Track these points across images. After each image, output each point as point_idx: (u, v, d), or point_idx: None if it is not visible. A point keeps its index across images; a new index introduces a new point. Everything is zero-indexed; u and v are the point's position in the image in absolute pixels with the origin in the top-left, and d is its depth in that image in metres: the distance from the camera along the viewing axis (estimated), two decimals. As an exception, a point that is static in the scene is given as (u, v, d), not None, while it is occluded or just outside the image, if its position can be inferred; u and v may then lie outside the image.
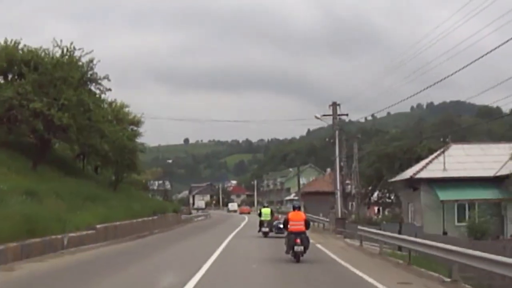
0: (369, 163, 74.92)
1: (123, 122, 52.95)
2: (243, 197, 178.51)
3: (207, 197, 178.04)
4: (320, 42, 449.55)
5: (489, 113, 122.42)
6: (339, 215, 42.29)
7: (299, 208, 23.48)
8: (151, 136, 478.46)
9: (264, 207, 41.68)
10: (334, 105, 45.53)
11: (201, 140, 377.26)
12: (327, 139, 55.98)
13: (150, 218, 43.63)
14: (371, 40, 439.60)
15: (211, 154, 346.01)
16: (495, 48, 22.63)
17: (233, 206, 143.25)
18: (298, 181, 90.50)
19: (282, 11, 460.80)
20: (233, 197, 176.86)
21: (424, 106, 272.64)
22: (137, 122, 56.67)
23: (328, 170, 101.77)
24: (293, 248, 21.76)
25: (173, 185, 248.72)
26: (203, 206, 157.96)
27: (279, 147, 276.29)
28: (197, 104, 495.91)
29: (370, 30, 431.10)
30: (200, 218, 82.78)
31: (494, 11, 29.26)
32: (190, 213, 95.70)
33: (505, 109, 75.09)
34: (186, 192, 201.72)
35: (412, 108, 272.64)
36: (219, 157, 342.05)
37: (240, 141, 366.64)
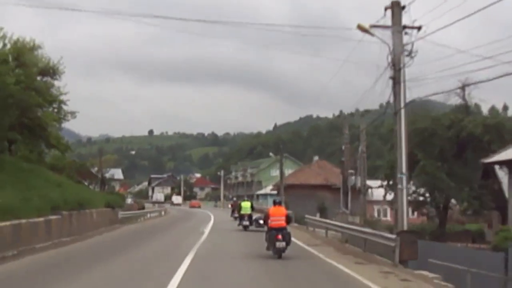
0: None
1: (28, 67, 33.88)
2: (207, 190, 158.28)
3: (168, 190, 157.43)
4: (287, 35, 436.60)
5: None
6: (403, 224, 19.66)
7: (280, 203, 22.62)
8: (115, 126, 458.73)
9: (244, 200, 40.44)
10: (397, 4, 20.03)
11: (166, 132, 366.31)
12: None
13: (42, 219, 23.32)
14: (340, 36, 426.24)
15: (175, 146, 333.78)
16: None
17: (177, 199, 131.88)
18: (281, 171, 70.51)
19: (251, 3, 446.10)
20: (196, 189, 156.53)
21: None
22: (51, 71, 37.00)
23: (316, 158, 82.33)
24: (275, 244, 20.58)
25: (135, 177, 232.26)
26: (162, 199, 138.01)
27: (246, 140, 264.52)
28: (163, 96, 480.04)
29: (339, 26, 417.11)
30: (152, 215, 62.35)
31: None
32: (143, 208, 76.07)
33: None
34: (145, 184, 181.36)
35: (381, 105, 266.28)
36: (184, 150, 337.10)
37: (206, 134, 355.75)
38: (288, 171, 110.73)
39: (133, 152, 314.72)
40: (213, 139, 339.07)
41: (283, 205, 25.79)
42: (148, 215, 60.58)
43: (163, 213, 71.29)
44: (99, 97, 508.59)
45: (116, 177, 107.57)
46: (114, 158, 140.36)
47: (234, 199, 72.87)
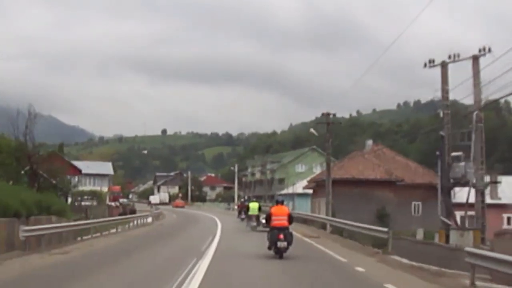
0: None
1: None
2: (219, 189, 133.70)
3: (175, 189, 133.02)
4: (302, 36, 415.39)
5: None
6: None
7: (282, 203, 21.62)
8: (129, 126, 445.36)
9: (252, 201, 39.53)
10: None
11: (180, 132, 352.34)
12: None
13: None
14: (354, 37, 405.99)
15: (188, 146, 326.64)
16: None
17: (154, 199, 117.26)
18: (329, 164, 44.64)
19: (264, 3, 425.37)
20: (206, 189, 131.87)
21: (411, 104, 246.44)
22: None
23: (369, 142, 57.37)
24: (276, 244, 19.87)
25: (146, 176, 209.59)
26: (167, 200, 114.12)
27: (261, 139, 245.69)
28: (177, 96, 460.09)
29: (354, 27, 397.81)
30: (137, 222, 39.32)
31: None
32: (133, 212, 53.91)
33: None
34: (151, 183, 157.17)
35: (398, 105, 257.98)
36: (197, 149, 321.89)
37: (220, 134, 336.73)
38: (316, 169, 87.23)
39: (145, 152, 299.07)
40: (227, 139, 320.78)
41: (285, 205, 22.46)
42: (129, 224, 38.62)
43: (149, 219, 47.55)
44: (112, 97, 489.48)
45: (103, 172, 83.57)
46: (110, 152, 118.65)
47: (242, 200, 65.27)
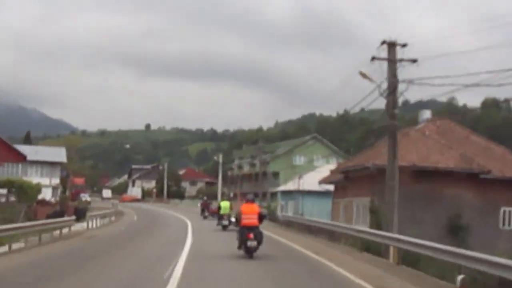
0: None
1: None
2: (200, 185, 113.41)
3: (152, 183, 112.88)
4: (291, 35, 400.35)
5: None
6: None
7: (253, 201, 19.96)
8: (112, 120, 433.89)
9: (223, 200, 39.41)
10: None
11: (164, 127, 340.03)
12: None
13: None
14: (344, 36, 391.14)
15: (172, 141, 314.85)
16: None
17: (107, 193, 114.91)
18: (394, 132, 23.02)
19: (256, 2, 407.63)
20: (185, 184, 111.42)
21: (399, 104, 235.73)
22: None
23: (427, 113, 36.54)
24: (246, 243, 18.64)
25: (126, 170, 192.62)
26: (139, 195, 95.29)
27: (246, 135, 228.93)
28: (163, 91, 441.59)
29: (344, 26, 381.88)
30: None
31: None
32: (81, 212, 40.88)
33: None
34: (126, 177, 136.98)
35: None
36: (181, 145, 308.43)
37: (205, 130, 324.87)
38: (318, 163, 69.13)
39: (127, 146, 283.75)
40: (212, 135, 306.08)
41: (256, 203, 21.09)
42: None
43: (91, 224, 29.49)
44: (99, 91, 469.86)
45: (53, 159, 63.87)
46: (77, 142, 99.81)
47: (205, 198, 60.59)
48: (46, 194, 59.83)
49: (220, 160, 75.45)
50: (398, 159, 21.43)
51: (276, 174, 76.20)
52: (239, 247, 18.98)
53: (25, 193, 42.73)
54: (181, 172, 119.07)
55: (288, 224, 38.76)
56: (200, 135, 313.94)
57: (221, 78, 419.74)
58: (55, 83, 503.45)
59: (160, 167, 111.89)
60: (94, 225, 33.88)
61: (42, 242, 22.67)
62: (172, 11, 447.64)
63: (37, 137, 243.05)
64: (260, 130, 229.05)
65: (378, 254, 20.34)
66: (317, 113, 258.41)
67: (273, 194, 72.28)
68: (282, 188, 61.34)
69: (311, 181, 52.80)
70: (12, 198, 41.67)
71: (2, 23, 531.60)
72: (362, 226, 26.47)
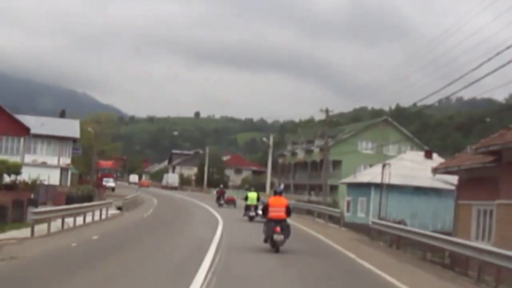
0: None
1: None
2: (246, 173, 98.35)
3: (194, 170, 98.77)
4: (342, 26, 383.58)
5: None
6: None
7: (280, 193, 19.20)
8: (162, 107, 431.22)
9: (250, 191, 36.74)
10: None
11: (213, 115, 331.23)
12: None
13: None
14: (396, 29, 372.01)
15: (221, 129, 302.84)
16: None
17: (133, 178, 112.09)
18: None
19: None
20: (229, 172, 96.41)
21: (453, 100, 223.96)
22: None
23: None
24: (272, 237, 17.92)
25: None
26: (176, 183, 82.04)
27: (297, 126, 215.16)
28: (212, 79, 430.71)
29: (396, 19, 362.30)
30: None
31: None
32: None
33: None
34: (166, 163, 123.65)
35: (440, 101, 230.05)
36: (229, 134, 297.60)
37: (255, 119, 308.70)
38: (388, 151, 54.40)
39: (176, 133, 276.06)
40: (261, 125, 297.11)
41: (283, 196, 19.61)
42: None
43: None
44: (148, 77, 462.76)
45: (64, 133, 49.95)
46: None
47: (221, 186, 57.12)
48: (53, 177, 46.16)
49: (271, 142, 59.93)
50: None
51: (337, 163, 60.74)
52: (265, 241, 18.17)
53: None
54: (225, 158, 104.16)
55: (364, 231, 27.11)
56: (249, 125, 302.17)
57: (271, 68, 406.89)
58: (105, 69, 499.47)
59: (201, 151, 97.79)
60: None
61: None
62: (221, 0, 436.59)
63: (86, 120, 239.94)
64: (311, 121, 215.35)
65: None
66: (369, 107, 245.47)
67: (333, 187, 57.00)
68: (349, 179, 45.97)
69: (394, 172, 37.33)
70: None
71: (52, 10, 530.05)
72: None
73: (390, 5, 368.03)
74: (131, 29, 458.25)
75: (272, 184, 60.99)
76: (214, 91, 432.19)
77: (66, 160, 53.12)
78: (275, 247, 17.76)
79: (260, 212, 26.40)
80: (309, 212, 41.83)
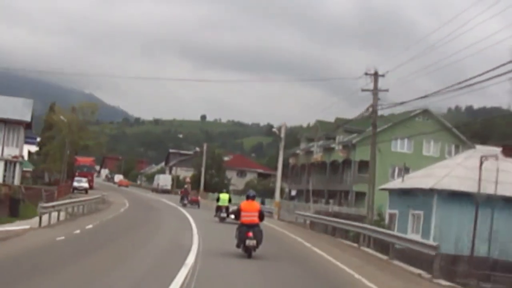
0: None
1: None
2: (250, 176, 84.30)
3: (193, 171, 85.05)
4: (352, 32, 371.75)
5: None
6: None
7: (253, 198, 18.41)
8: (167, 109, 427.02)
9: (221, 192, 36.91)
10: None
11: (219, 119, 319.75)
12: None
13: None
14: (405, 36, 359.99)
15: (227, 133, 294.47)
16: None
17: (118, 178, 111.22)
18: None
19: None
20: (231, 173, 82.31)
21: (463, 109, 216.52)
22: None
23: None
24: (245, 242, 16.97)
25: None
26: (168, 185, 69.22)
27: (304, 131, 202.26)
28: (220, 83, 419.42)
29: (406, 26, 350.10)
30: None
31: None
32: None
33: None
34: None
35: (449, 109, 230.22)
36: (235, 138, 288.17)
37: (261, 124, 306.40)
38: (429, 150, 40.79)
39: (180, 136, 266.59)
40: (268, 130, 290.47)
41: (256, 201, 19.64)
42: None
43: None
44: (155, 80, 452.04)
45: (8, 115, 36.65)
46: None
47: (185, 186, 58.14)
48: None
49: (282, 133, 45.00)
50: None
51: (364, 165, 47.06)
52: (238, 246, 17.34)
53: None
54: (227, 158, 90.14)
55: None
56: (256, 129, 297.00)
57: (278, 73, 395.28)
58: (112, 70, 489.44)
59: (197, 149, 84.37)
60: None
61: None
62: (230, 2, 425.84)
63: (90, 121, 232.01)
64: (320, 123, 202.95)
65: None
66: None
67: (359, 195, 43.42)
68: (395, 184, 31.96)
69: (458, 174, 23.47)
70: None
71: (60, 9, 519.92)
72: None
73: (399, 8, 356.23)
74: (139, 31, 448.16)
75: (282, 191, 47.54)
76: (221, 95, 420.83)
77: (13, 151, 39.86)
78: (247, 253, 16.94)
79: (232, 217, 25.91)
80: (333, 231, 28.93)
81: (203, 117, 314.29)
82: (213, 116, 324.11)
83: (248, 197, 18.30)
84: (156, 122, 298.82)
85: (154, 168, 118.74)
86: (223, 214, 32.68)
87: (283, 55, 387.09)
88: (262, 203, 52.14)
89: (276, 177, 43.71)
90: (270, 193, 56.38)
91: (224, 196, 33.96)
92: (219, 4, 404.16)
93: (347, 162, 51.17)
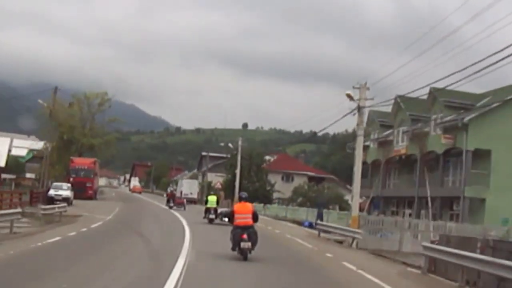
0: None
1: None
2: (299, 181, 66.44)
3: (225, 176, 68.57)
4: (393, 38, 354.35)
5: None
6: None
7: (246, 199, 17.83)
8: (209, 119, 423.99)
9: (210, 194, 36.58)
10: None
11: (262, 127, 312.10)
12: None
13: None
14: (447, 42, 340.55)
15: (269, 141, 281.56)
16: None
17: (135, 181, 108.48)
18: None
19: (356, 2, 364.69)
20: (275, 178, 64.69)
21: None
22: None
23: None
24: (240, 245, 16.43)
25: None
26: (195, 194, 52.53)
27: (348, 138, 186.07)
28: (261, 91, 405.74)
29: (448, 31, 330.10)
30: None
31: None
32: None
33: None
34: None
35: None
36: (277, 145, 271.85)
37: (304, 131, 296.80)
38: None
39: (222, 144, 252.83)
40: (311, 137, 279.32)
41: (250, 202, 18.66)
42: None
43: None
44: (196, 90, 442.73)
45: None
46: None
47: (170, 189, 56.59)
48: None
49: (361, 99, 24.91)
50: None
51: (480, 156, 28.98)
52: (233, 249, 16.79)
53: None
54: (269, 158, 72.58)
55: None
56: (299, 137, 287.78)
57: (319, 80, 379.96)
58: (153, 81, 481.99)
59: (230, 145, 67.96)
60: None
61: None
62: (273, 11, 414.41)
63: (130, 131, 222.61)
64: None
65: None
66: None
67: (474, 202, 25.19)
68: None
69: None
70: None
71: (102, 21, 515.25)
72: None
73: (442, 15, 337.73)
74: (180, 40, 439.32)
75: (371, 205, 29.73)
76: (263, 103, 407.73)
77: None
78: (243, 255, 16.43)
79: (226, 220, 25.61)
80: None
81: (245, 125, 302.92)
82: (255, 124, 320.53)
83: (240, 199, 18.12)
84: (197, 131, 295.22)
85: (187, 174, 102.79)
86: (212, 216, 32.65)
87: (323, 62, 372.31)
88: (319, 217, 35.38)
89: (354, 176, 25.10)
90: (328, 202, 39.04)
91: (212, 198, 34.11)
92: (259, 13, 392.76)
93: (449, 154, 33.41)
